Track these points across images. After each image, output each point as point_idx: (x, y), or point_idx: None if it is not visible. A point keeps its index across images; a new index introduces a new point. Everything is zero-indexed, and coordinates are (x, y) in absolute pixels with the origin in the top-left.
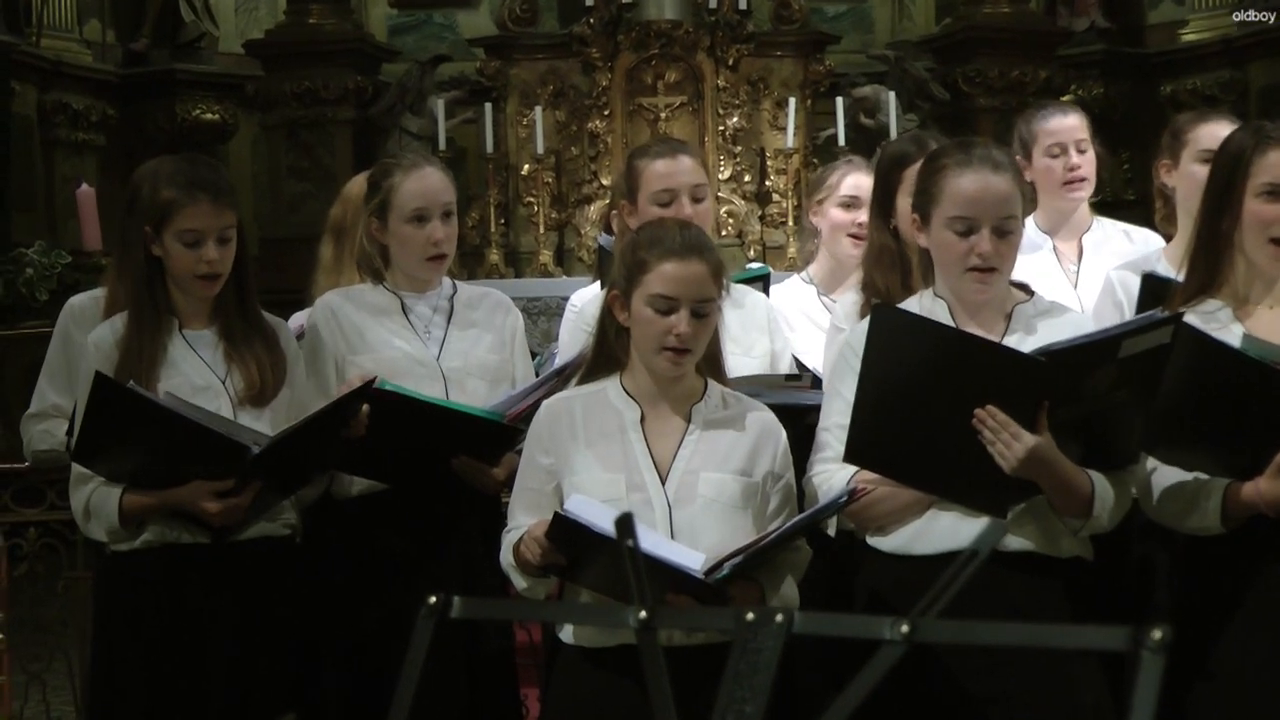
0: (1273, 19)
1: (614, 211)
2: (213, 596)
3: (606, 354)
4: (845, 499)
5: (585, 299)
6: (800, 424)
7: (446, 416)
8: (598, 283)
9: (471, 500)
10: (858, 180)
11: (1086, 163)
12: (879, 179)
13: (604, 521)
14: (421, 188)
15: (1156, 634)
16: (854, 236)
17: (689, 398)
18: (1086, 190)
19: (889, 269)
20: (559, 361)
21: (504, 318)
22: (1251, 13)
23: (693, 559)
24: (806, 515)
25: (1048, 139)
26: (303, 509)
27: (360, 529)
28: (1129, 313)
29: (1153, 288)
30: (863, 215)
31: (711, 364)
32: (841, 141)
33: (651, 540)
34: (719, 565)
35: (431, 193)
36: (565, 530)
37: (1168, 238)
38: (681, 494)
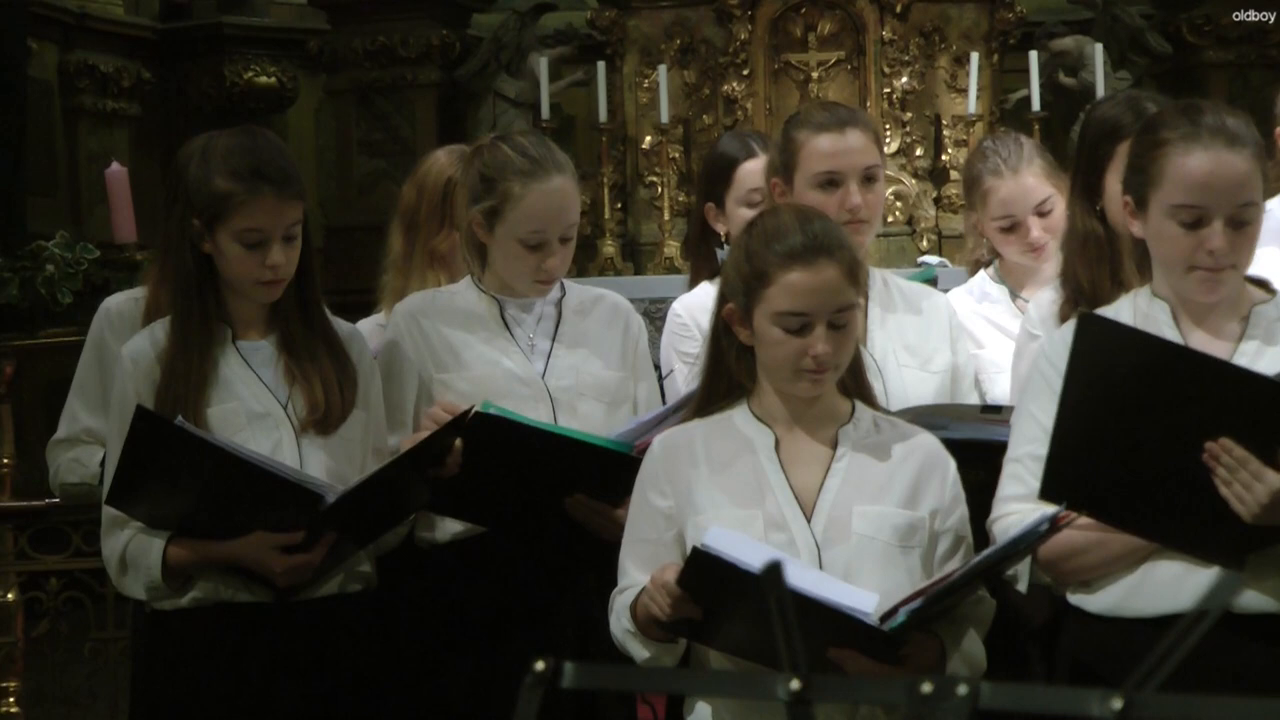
0: (1273, 19)
1: (708, 206)
2: (274, 665)
3: (725, 381)
4: (1047, 526)
5: (691, 305)
6: (994, 464)
7: (563, 447)
8: (704, 284)
9: (588, 548)
10: (1007, 195)
11: None
12: (1084, 152)
13: (756, 559)
14: (544, 207)
15: None
16: (1036, 250)
17: (833, 419)
18: None
19: (1094, 261)
20: (679, 385)
21: (623, 326)
22: (1251, 12)
23: (864, 600)
24: (1001, 547)
25: None
26: (379, 555)
27: (453, 582)
28: None
29: None
30: (1036, 229)
31: (857, 380)
32: (1035, 106)
33: (812, 578)
34: (894, 611)
35: (554, 214)
36: (706, 571)
37: None
38: (831, 531)
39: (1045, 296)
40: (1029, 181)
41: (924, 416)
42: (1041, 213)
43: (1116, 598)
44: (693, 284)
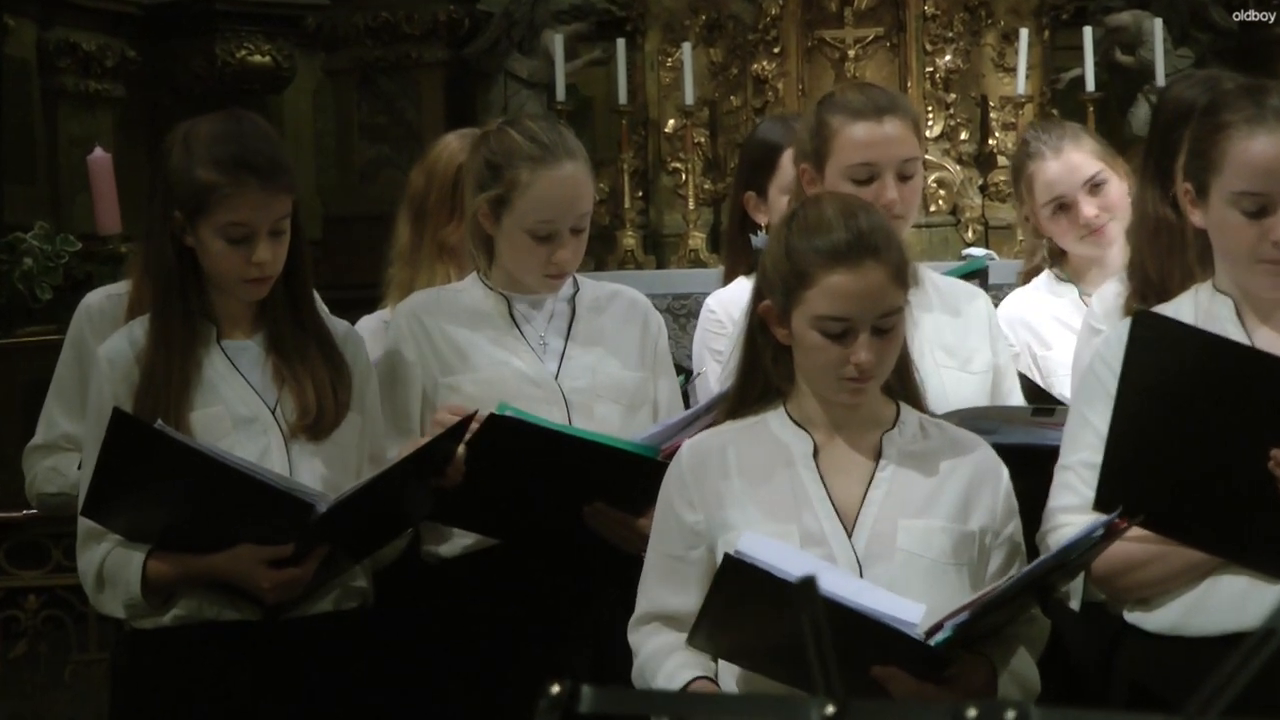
0: (1273, 19)
1: (747, 195)
2: (262, 688)
3: (760, 382)
4: (1101, 533)
5: (726, 300)
6: (1046, 471)
7: (584, 451)
8: (740, 279)
9: (608, 561)
10: (1052, 175)
11: None
12: (1156, 135)
13: (794, 568)
14: (554, 195)
15: None
16: (1094, 233)
17: (876, 424)
18: None
19: (1166, 252)
20: (711, 385)
21: (641, 323)
22: (1252, 13)
23: (910, 611)
24: (1053, 555)
25: None
26: (376, 570)
27: (459, 599)
28: None
29: None
30: (1088, 207)
31: (903, 381)
32: (1090, 86)
33: (854, 587)
34: (939, 626)
35: (565, 202)
36: (738, 581)
37: None
38: (875, 548)
39: (1110, 289)
40: (1074, 158)
41: (970, 419)
42: (1094, 188)
43: (1177, 616)
44: (728, 278)
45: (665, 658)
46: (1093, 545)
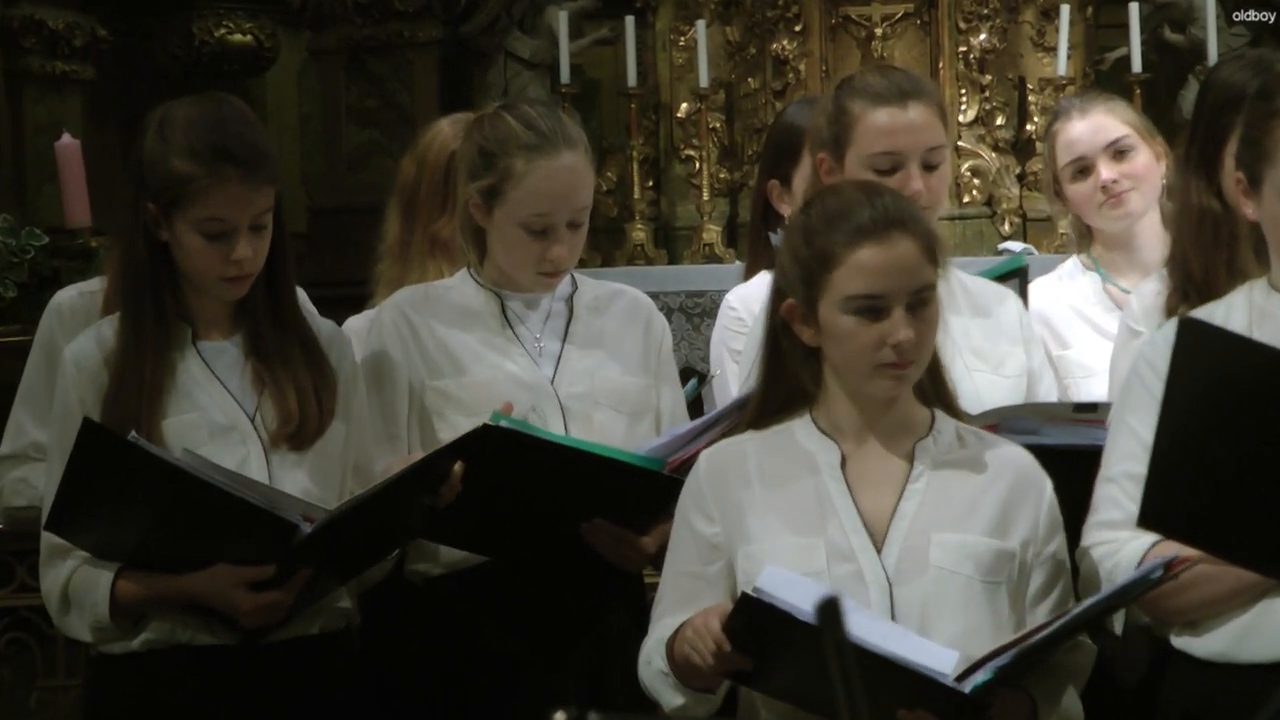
0: (1273, 19)
1: (771, 183)
2: (240, 717)
3: (784, 389)
4: (1160, 574)
5: (747, 296)
6: (1094, 474)
7: (585, 464)
8: (763, 274)
9: (608, 581)
10: (1074, 135)
11: None
12: (1201, 120)
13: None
14: (550, 187)
15: None
16: (1112, 199)
17: (909, 431)
18: None
19: (1209, 245)
20: (730, 388)
21: (644, 326)
22: (1251, 13)
23: (941, 659)
24: (1105, 596)
25: None
26: (362, 591)
27: (450, 621)
28: None
29: None
30: (1107, 170)
31: (936, 385)
32: (1136, 66)
33: (881, 631)
34: (975, 668)
35: (561, 194)
36: (757, 618)
37: None
38: (906, 564)
39: (1149, 287)
40: (1099, 119)
41: (1010, 419)
42: (1118, 153)
43: (1228, 641)
44: (750, 273)
45: (652, 637)
46: (1150, 585)
